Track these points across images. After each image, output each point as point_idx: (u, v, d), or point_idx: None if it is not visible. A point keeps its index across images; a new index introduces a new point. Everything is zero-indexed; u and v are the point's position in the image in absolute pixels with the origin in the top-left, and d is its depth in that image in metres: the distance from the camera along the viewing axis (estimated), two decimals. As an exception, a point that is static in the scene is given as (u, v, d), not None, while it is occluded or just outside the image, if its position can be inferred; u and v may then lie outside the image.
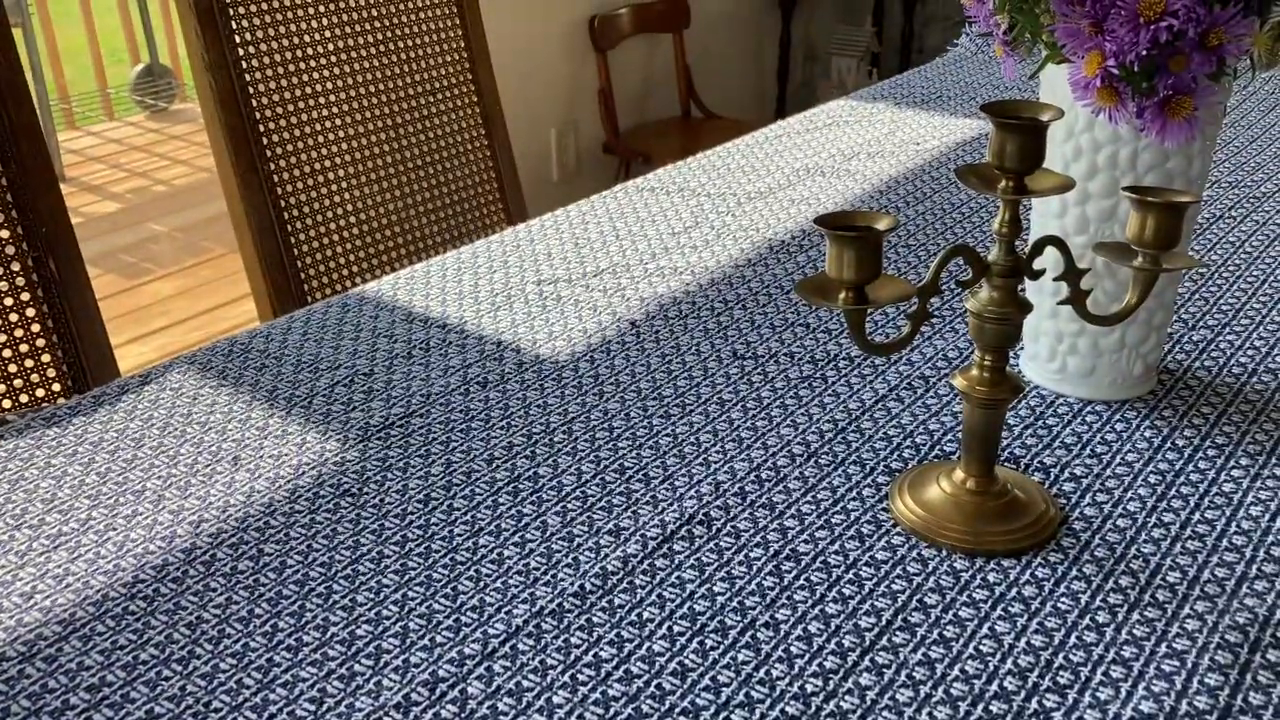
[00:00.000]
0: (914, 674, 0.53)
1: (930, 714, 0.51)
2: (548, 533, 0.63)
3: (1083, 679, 0.53)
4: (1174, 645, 0.55)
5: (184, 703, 0.52)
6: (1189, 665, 0.53)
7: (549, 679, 0.53)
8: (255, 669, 0.54)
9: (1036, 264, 0.60)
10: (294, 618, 0.57)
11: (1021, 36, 0.70)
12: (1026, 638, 0.55)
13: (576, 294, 0.92)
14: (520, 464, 0.69)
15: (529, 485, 0.67)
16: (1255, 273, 0.93)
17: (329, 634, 0.56)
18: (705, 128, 3.09)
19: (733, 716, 0.51)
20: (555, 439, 0.72)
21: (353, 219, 1.38)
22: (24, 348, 1.05)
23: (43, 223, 1.06)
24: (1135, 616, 0.56)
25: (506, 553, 0.62)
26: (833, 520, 0.64)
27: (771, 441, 0.71)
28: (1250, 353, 0.81)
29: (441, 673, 0.54)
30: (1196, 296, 0.90)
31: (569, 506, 0.65)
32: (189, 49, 1.31)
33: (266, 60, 1.30)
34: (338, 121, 1.36)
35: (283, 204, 1.32)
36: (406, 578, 0.60)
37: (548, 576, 0.60)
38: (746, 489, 0.67)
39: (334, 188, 1.37)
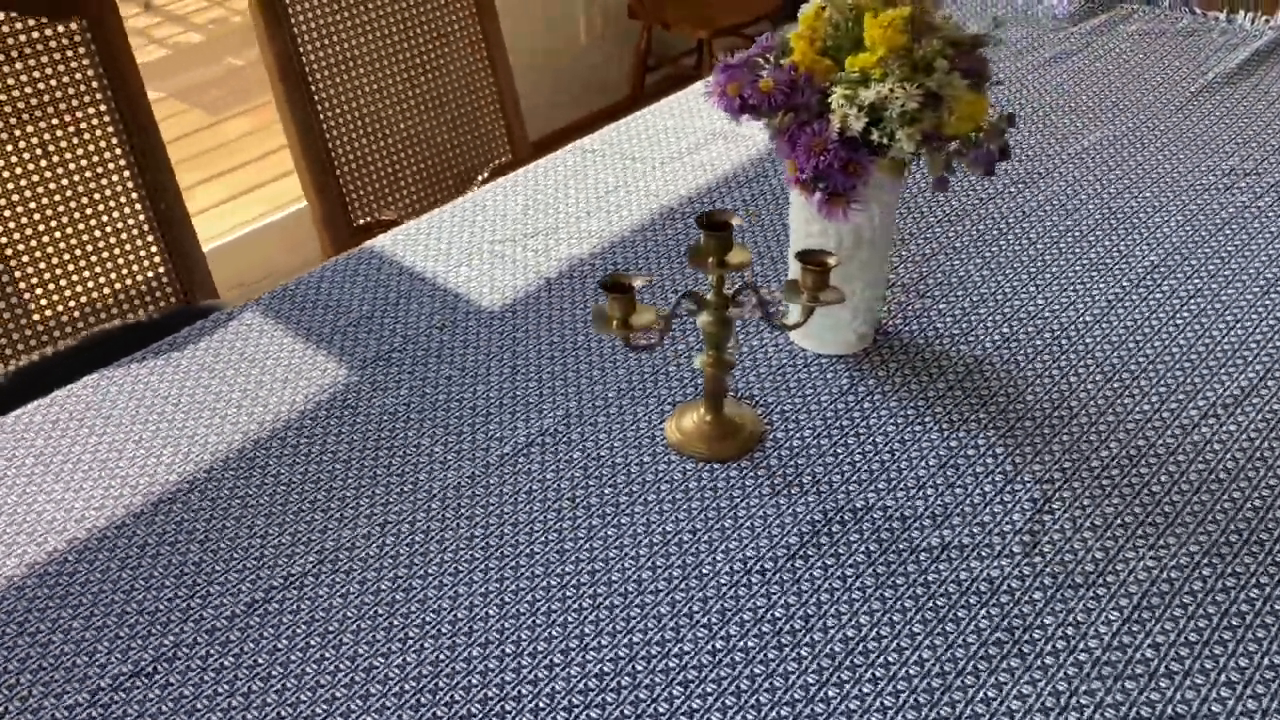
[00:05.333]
0: (683, 538, 0.99)
1: (685, 564, 0.97)
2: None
3: (762, 551, 0.98)
4: (801, 525, 1.00)
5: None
6: (815, 534, 0.98)
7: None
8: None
9: (740, 298, 1.03)
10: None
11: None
12: (733, 515, 1.00)
13: (517, 254, 1.35)
14: (476, 398, 1.15)
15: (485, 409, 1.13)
16: (955, 258, 1.33)
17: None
18: (724, -6, 3.37)
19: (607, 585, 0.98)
20: (508, 381, 1.17)
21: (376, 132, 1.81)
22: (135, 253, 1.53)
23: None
24: (797, 507, 1.01)
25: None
26: (641, 439, 1.09)
27: (613, 388, 1.16)
28: (947, 320, 1.23)
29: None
30: (927, 273, 1.30)
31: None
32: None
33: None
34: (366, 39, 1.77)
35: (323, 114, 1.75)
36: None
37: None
38: (599, 418, 1.12)
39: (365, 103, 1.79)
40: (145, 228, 1.55)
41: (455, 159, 1.92)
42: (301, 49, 1.71)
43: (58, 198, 1.47)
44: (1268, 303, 1.24)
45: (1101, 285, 1.28)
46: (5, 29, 1.38)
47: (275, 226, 2.72)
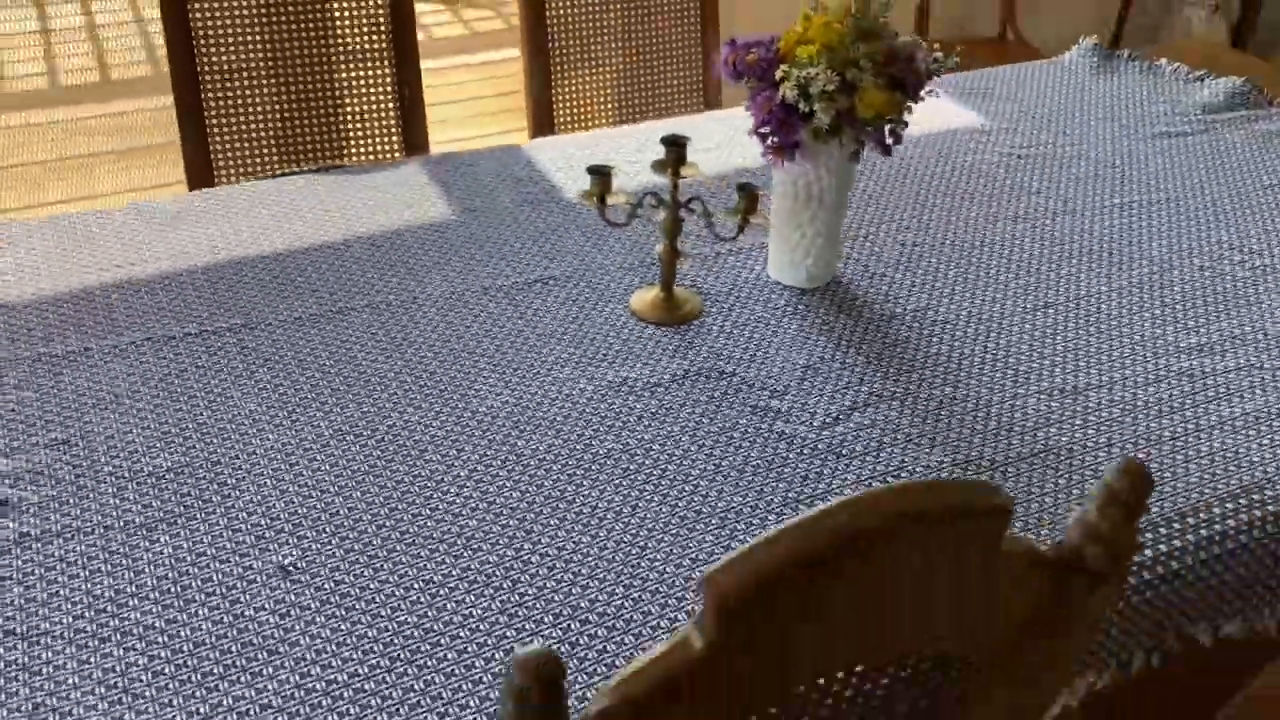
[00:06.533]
0: (607, 360, 1.39)
1: (602, 376, 1.37)
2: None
3: (643, 378, 1.37)
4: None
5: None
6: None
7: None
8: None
9: (692, 205, 1.40)
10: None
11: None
12: (643, 354, 1.39)
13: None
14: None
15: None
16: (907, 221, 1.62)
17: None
18: (1010, 51, 3.60)
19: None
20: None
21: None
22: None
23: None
24: (686, 361, 1.38)
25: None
26: (613, 299, 1.49)
27: (603, 272, 1.56)
28: (890, 284, 1.53)
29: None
30: (895, 238, 1.60)
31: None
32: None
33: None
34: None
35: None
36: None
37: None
38: (593, 279, 1.53)
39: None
40: (397, 138, 2.12)
41: (656, 113, 2.36)
42: (549, 21, 2.22)
43: (337, 107, 2.06)
44: (1130, 346, 1.46)
45: (1030, 299, 1.53)
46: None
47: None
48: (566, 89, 2.29)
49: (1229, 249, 1.66)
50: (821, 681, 0.68)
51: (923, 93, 1.37)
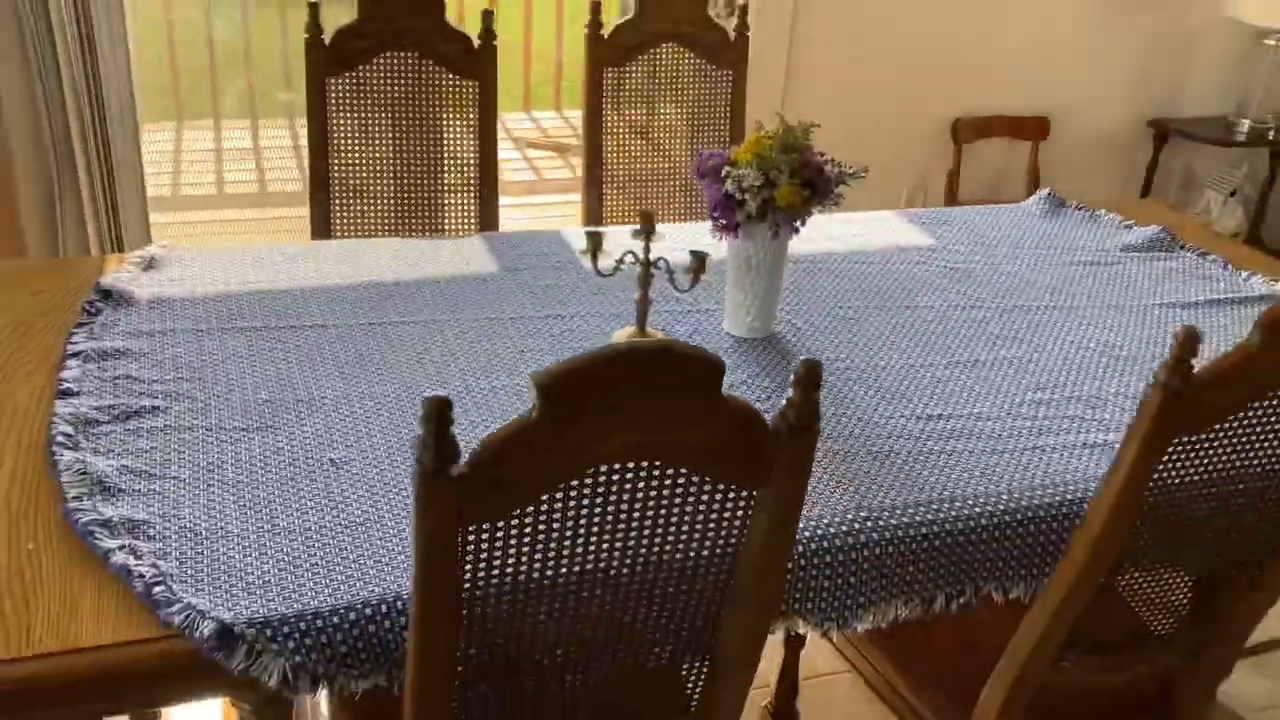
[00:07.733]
0: (563, 357, 1.90)
1: (554, 363, 1.89)
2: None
3: (598, 371, 1.87)
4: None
5: (407, 305, 2.05)
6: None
7: (484, 329, 1.99)
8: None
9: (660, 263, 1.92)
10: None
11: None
12: (599, 362, 1.90)
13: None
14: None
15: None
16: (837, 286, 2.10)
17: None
18: (1034, 215, 4.08)
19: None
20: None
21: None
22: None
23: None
24: (633, 369, 1.88)
25: (508, 306, 2.07)
26: (602, 335, 2.01)
27: (598, 316, 2.08)
28: (815, 341, 2.01)
29: (463, 319, 2.01)
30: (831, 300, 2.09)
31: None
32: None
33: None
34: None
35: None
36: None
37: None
38: (586, 319, 2.05)
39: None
40: (475, 223, 2.71)
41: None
42: (605, 161, 2.82)
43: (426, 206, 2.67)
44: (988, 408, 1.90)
45: (921, 358, 2.00)
46: (433, 77, 2.60)
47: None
48: (617, 202, 2.86)
49: (1097, 343, 2.10)
50: (617, 465, 1.15)
51: (834, 195, 1.88)
